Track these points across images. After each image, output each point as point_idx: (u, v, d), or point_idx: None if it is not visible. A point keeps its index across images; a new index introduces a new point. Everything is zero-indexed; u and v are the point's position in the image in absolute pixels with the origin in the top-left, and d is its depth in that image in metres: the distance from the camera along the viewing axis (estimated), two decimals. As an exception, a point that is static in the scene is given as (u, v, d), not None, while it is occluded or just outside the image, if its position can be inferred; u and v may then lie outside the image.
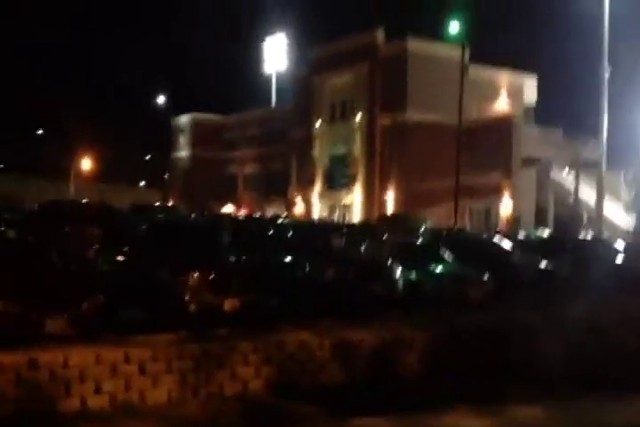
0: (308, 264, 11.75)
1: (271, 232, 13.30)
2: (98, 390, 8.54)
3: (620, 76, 47.85)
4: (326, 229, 15.29)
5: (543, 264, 15.67)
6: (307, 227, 16.23)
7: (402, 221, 30.27)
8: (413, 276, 13.51)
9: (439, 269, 13.98)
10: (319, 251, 12.56)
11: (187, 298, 10.04)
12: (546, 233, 35.68)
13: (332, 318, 10.67)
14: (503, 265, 14.94)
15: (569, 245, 17.92)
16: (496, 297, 13.15)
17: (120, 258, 11.12)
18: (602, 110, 46.79)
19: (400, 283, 12.80)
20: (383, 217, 36.71)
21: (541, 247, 17.79)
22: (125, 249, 11.38)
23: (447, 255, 14.86)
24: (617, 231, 48.09)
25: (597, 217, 48.89)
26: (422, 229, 27.43)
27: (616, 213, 55.05)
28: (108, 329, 9.67)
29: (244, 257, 11.70)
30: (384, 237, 17.12)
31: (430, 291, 13.18)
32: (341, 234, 14.99)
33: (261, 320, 10.23)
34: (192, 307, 10.00)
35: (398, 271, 12.91)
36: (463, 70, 35.32)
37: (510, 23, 66.99)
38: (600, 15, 46.24)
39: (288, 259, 12.14)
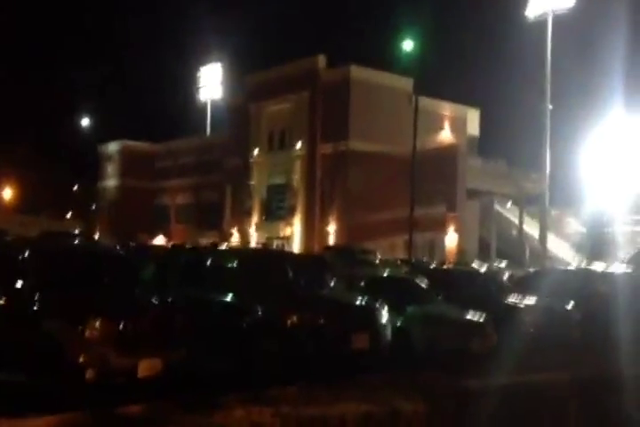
0: (260, 306, 8.49)
1: (208, 263, 9.78)
2: None
3: (561, 113, 47.27)
4: (277, 259, 11.72)
5: (545, 303, 12.63)
6: (254, 256, 12.62)
7: (349, 253, 27.09)
8: (399, 321, 10.40)
9: (429, 310, 10.87)
10: (275, 288, 9.23)
11: (83, 359, 6.69)
12: (503, 265, 33.49)
13: (298, 386, 7.39)
14: (502, 306, 11.97)
15: (565, 277, 14.85)
16: (500, 350, 9.96)
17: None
18: (544, 147, 46.16)
19: (388, 331, 9.65)
20: (328, 248, 33.67)
21: (530, 281, 14.95)
22: None
23: (434, 292, 11.80)
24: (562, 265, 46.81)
25: (542, 249, 47.88)
26: (377, 261, 24.54)
27: (559, 248, 54.11)
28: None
29: (169, 298, 8.37)
30: (339, 271, 13.99)
31: (422, 341, 10.09)
32: (296, 265, 11.55)
33: (194, 390, 6.96)
34: (90, 373, 6.66)
35: (385, 315, 9.74)
36: (417, 98, 33.25)
37: (453, 58, 66.29)
38: (543, 53, 45.88)
39: (231, 298, 8.85)
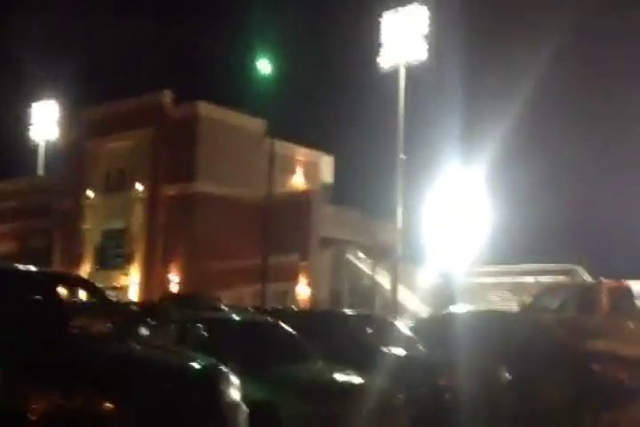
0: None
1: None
2: None
3: (415, 164, 45.94)
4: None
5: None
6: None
7: (192, 300, 23.63)
8: (260, 391, 6.43)
9: (304, 373, 6.97)
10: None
11: None
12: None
13: None
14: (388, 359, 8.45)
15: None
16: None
17: None
18: (397, 197, 44.47)
19: (243, 416, 5.49)
20: (166, 296, 29.44)
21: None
22: None
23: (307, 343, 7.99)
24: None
25: (393, 301, 45.78)
26: (223, 307, 20.84)
27: (409, 300, 52.55)
28: None
29: None
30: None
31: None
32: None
33: None
34: None
35: (236, 387, 5.51)
36: (273, 141, 29.75)
37: (306, 102, 64.30)
38: (396, 103, 44.66)
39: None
